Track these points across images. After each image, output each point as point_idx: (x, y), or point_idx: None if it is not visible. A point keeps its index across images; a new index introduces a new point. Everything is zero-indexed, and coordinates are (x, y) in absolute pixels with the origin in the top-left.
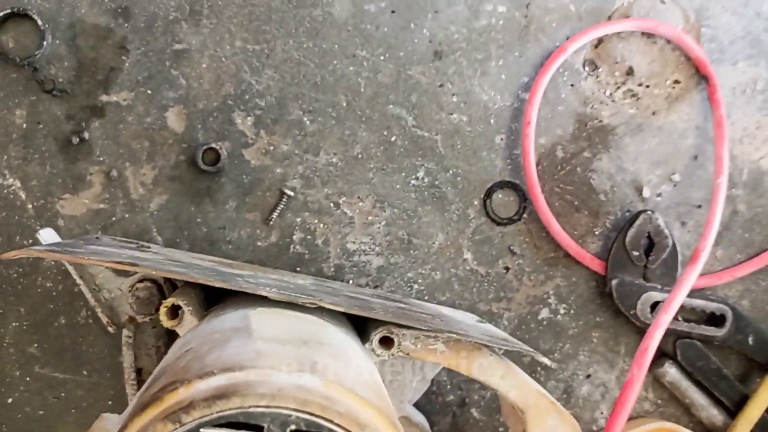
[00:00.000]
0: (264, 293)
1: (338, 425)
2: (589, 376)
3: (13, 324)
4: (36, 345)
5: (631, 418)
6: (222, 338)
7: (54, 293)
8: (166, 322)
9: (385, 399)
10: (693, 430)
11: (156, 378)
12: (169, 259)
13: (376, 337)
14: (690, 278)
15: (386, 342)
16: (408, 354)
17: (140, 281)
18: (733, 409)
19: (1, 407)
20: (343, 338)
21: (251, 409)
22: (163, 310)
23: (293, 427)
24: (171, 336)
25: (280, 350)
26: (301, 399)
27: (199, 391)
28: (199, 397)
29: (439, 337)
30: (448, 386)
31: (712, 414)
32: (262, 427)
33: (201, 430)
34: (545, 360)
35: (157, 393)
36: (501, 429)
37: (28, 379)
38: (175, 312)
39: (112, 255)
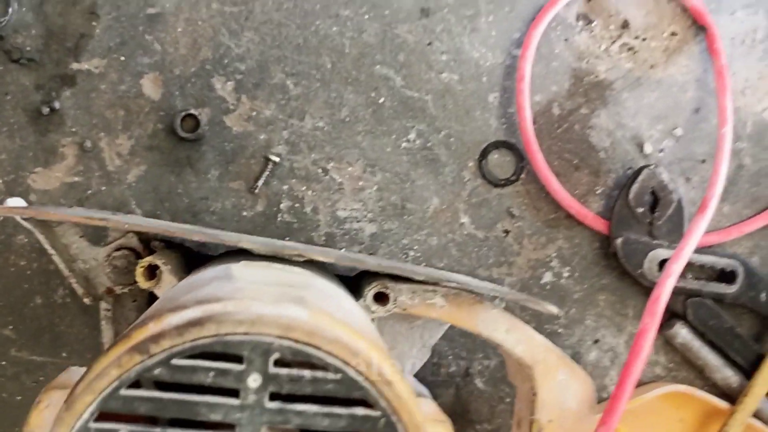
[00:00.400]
0: (247, 245)
1: (327, 352)
2: (597, 341)
3: None
4: (11, 327)
5: (641, 384)
6: (200, 284)
7: (28, 272)
8: (143, 283)
9: (380, 340)
10: (708, 393)
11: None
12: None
13: (370, 293)
14: (700, 227)
15: (381, 298)
16: (405, 310)
17: (117, 249)
18: (749, 369)
19: None
20: (334, 288)
21: (228, 337)
22: (139, 270)
23: (276, 355)
24: None
25: (263, 288)
26: (284, 324)
27: (170, 324)
28: (169, 328)
29: (438, 290)
30: (450, 356)
31: (727, 375)
32: (242, 358)
33: (173, 361)
34: (552, 308)
35: (125, 332)
36: (507, 399)
37: (4, 363)
38: (152, 272)
39: (81, 214)
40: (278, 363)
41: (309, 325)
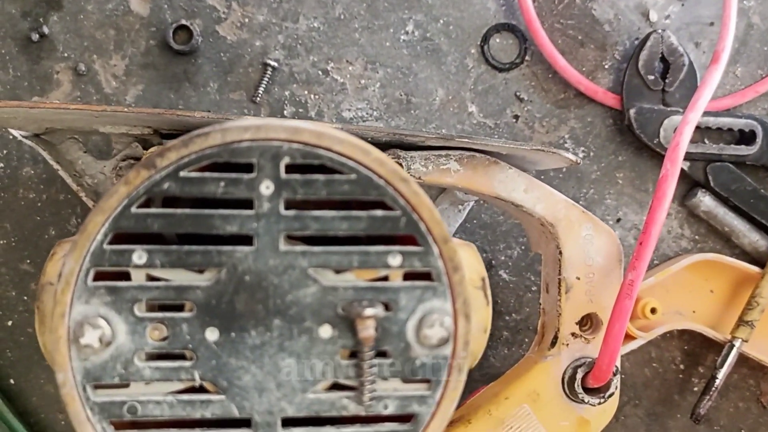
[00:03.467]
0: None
1: (339, 153)
2: (619, 220)
3: (1, 242)
4: (28, 261)
5: (668, 258)
6: None
7: (39, 204)
8: None
9: None
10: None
11: None
12: None
13: None
14: (714, 77)
15: None
16: (420, 178)
17: (123, 160)
18: None
19: (2, 330)
20: None
21: (235, 145)
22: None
23: (287, 159)
24: None
25: None
26: (291, 128)
27: (176, 140)
28: (175, 142)
29: (451, 154)
30: None
31: (754, 239)
32: (252, 166)
33: (181, 173)
34: (570, 156)
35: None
36: (533, 288)
37: (25, 298)
38: None
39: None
40: (290, 170)
41: (316, 129)
